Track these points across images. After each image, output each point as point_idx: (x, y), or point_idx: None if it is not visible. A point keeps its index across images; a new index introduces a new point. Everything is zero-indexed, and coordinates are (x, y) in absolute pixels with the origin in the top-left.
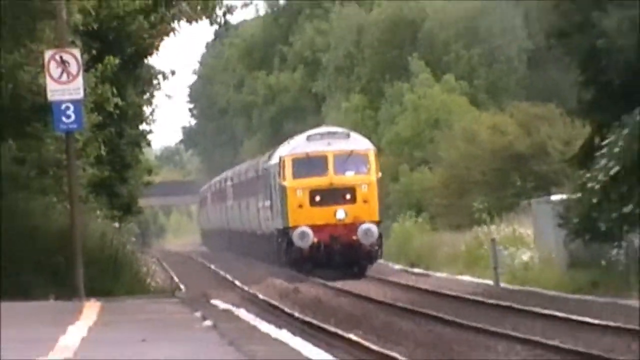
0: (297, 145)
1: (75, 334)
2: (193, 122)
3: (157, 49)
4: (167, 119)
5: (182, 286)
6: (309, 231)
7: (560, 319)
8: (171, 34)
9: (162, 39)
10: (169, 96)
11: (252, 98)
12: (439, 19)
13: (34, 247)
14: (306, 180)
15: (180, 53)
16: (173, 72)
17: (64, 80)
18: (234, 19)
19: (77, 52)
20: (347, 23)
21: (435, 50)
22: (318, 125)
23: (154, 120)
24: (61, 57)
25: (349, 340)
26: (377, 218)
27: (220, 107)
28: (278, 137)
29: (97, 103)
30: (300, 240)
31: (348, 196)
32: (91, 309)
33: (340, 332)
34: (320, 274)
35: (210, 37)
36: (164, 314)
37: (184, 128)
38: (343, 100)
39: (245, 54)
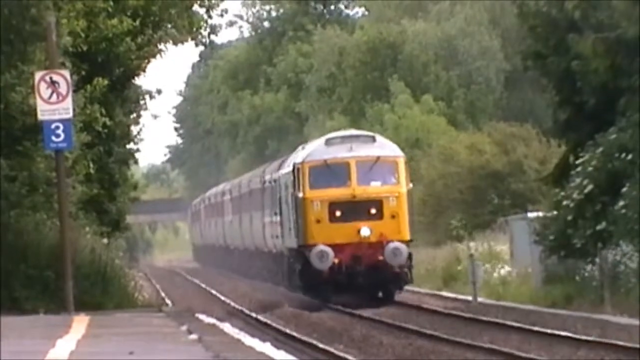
0: (314, 150)
1: (64, 347)
2: (179, 141)
3: (144, 70)
4: (154, 138)
5: (168, 300)
6: (329, 250)
7: (535, 332)
8: (158, 55)
9: (149, 61)
10: (155, 116)
11: (236, 118)
12: (419, 41)
13: (25, 262)
14: (325, 191)
15: (167, 74)
16: (159, 91)
17: (54, 101)
18: (218, 39)
19: (66, 73)
20: (329, 45)
21: (415, 71)
22: (299, 145)
23: (141, 139)
24: (51, 78)
25: (332, 354)
26: (407, 236)
27: (205, 127)
28: (262, 156)
29: (86, 122)
30: (319, 261)
31: (373, 210)
32: (80, 322)
33: (322, 345)
34: (340, 300)
35: (195, 58)
36: (150, 328)
37: (170, 147)
38: (325, 120)
39: (230, 76)
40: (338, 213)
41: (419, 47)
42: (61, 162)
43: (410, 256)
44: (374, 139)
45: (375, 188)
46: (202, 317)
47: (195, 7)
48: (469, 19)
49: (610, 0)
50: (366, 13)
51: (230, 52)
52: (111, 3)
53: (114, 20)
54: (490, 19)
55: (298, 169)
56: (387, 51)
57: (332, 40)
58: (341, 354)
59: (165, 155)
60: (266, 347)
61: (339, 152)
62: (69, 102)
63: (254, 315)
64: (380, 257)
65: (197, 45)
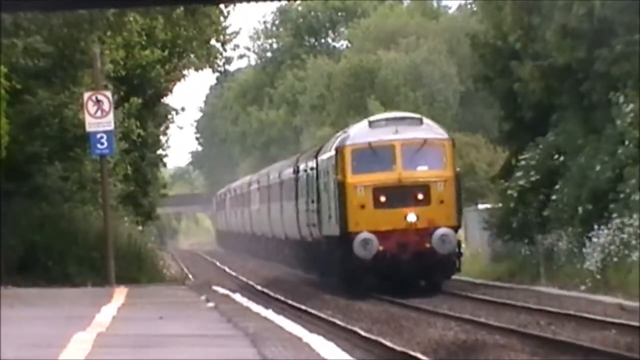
0: (358, 133)
1: (107, 312)
2: (199, 148)
3: (171, 91)
4: (179, 145)
5: (190, 276)
6: (373, 238)
7: (485, 301)
8: (182, 79)
9: (175, 83)
10: (180, 127)
11: (245, 129)
12: (391, 68)
13: (76, 245)
14: (369, 176)
15: (190, 94)
16: (183, 109)
17: (99, 116)
18: (231, 67)
19: (109, 93)
20: (320, 71)
21: (388, 92)
22: (296, 152)
23: (168, 147)
24: (97, 98)
25: (320, 318)
26: (455, 222)
27: (220, 136)
28: (266, 160)
29: (124, 133)
30: (363, 249)
31: (420, 196)
32: (120, 293)
33: (314, 311)
34: (384, 289)
35: (212, 81)
36: (176, 297)
37: (192, 152)
38: (317, 131)
39: (240, 95)
40: (383, 198)
41: (392, 73)
42: (105, 165)
43: (459, 243)
44: (420, 121)
45: (422, 172)
46: (217, 289)
47: (213, 42)
48: (431, 50)
49: (544, 34)
50: (349, 45)
51: (240, 76)
52: (144, 37)
53: (146, 51)
54: (448, 50)
55: (341, 153)
56: (366, 76)
57: (322, 67)
58: (328, 317)
59: (188, 159)
60: (269, 313)
61: (384, 135)
62: (111, 117)
63: (259, 287)
64: (428, 245)
65: (214, 72)
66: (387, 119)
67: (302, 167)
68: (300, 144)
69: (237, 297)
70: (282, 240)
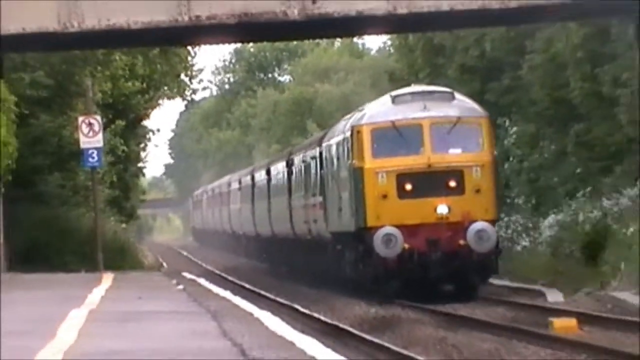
0: (379, 110)
1: (97, 293)
2: (172, 161)
3: (149, 116)
4: (155, 159)
5: (164, 264)
6: (397, 233)
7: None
8: (158, 106)
9: (152, 110)
10: (156, 145)
11: (207, 147)
12: (326, 97)
13: (71, 239)
14: (392, 160)
15: (164, 118)
16: (159, 130)
17: (90, 136)
18: (196, 97)
19: (98, 117)
20: (268, 100)
21: (324, 117)
22: (248, 165)
23: (146, 160)
24: (89, 121)
25: (268, 297)
26: (494, 215)
27: (187, 152)
28: (224, 171)
29: (111, 149)
30: (384, 247)
31: (453, 183)
32: (107, 278)
33: (265, 293)
34: (411, 294)
35: (182, 108)
36: (152, 282)
37: (165, 165)
38: (266, 149)
39: (204, 119)
40: (409, 187)
41: (326, 102)
42: (95, 175)
43: (498, 240)
44: (452, 96)
45: (455, 156)
46: (186, 274)
47: (182, 76)
48: (357, 84)
49: (447, 71)
50: (292, 79)
51: (204, 104)
52: (127, 71)
53: (129, 83)
54: (371, 83)
55: (357, 134)
56: (305, 104)
57: (270, 96)
58: (275, 297)
59: (162, 170)
60: (227, 294)
61: (410, 112)
62: (100, 137)
63: (220, 273)
64: (462, 242)
65: (183, 100)
66: (413, 93)
67: (297, 159)
68: (253, 159)
69: (202, 281)
70: (266, 239)
